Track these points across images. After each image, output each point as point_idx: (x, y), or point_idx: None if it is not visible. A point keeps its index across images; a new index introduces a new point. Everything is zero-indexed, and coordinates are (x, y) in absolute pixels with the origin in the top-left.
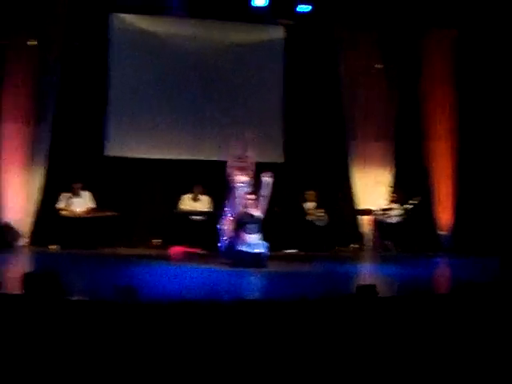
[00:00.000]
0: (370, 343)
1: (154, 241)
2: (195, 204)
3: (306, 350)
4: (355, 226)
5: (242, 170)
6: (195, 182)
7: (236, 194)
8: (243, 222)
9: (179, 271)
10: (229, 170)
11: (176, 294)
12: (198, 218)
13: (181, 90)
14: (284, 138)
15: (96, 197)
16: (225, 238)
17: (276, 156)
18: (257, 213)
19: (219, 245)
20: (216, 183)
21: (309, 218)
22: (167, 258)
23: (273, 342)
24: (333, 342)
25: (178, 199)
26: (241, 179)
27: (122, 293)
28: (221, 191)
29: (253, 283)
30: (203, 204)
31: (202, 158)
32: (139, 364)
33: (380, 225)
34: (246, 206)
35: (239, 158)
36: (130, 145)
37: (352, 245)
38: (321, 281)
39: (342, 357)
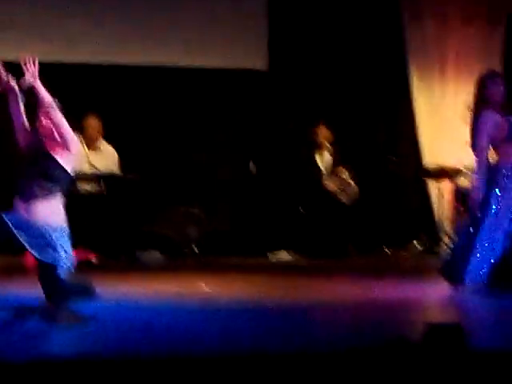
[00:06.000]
0: None
1: None
2: (90, 158)
3: None
4: (420, 203)
5: None
6: (87, 109)
7: None
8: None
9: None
10: None
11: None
12: (88, 187)
13: None
14: (268, 27)
15: None
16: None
17: (254, 59)
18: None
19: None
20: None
21: (327, 185)
22: (22, 274)
23: None
24: None
25: None
26: None
27: None
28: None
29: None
30: (104, 159)
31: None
32: None
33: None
34: None
35: None
36: None
37: (415, 242)
38: (356, 318)
39: None
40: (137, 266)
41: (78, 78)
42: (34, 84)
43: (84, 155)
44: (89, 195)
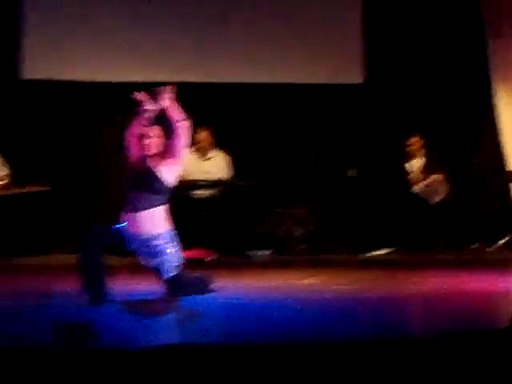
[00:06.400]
0: None
1: None
2: (204, 167)
3: None
4: (505, 203)
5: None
6: (200, 123)
7: None
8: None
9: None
10: None
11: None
12: (204, 192)
13: None
14: (364, 43)
15: (10, 157)
16: None
17: (350, 73)
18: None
19: None
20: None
21: (415, 188)
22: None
23: None
24: None
25: None
26: None
27: (67, 336)
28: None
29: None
30: (216, 166)
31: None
32: None
33: None
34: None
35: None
36: (65, 61)
37: (501, 240)
38: (446, 308)
39: None
40: (249, 263)
41: (190, 95)
42: (168, 106)
43: (199, 165)
44: (205, 200)
